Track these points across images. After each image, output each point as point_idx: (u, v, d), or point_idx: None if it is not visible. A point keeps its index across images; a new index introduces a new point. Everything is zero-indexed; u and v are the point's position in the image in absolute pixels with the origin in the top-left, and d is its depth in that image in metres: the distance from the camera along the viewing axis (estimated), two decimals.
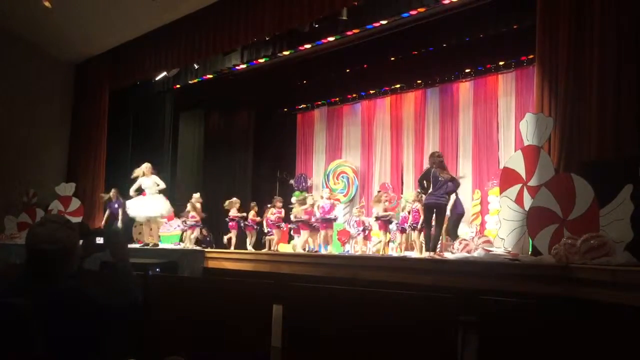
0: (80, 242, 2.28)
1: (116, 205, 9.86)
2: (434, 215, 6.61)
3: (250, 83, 11.84)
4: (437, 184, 6.56)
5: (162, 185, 9.03)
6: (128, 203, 9.09)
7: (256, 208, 9.41)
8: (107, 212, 10.04)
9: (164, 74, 10.97)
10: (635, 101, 5.31)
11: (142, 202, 9.00)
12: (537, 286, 4.56)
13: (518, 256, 5.41)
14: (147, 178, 8.94)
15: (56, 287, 1.98)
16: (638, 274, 3.93)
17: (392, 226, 9.14)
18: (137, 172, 9.01)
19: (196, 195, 9.46)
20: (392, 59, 10.84)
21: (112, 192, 10.03)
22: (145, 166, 9.06)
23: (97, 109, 11.54)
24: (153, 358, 2.51)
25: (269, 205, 9.21)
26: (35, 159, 11.16)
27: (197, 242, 9.31)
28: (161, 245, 8.96)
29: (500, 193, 6.23)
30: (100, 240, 2.43)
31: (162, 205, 9.09)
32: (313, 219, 8.23)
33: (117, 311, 2.07)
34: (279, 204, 9.00)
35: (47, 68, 11.44)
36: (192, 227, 9.10)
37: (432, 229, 6.63)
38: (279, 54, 10.03)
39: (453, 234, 7.20)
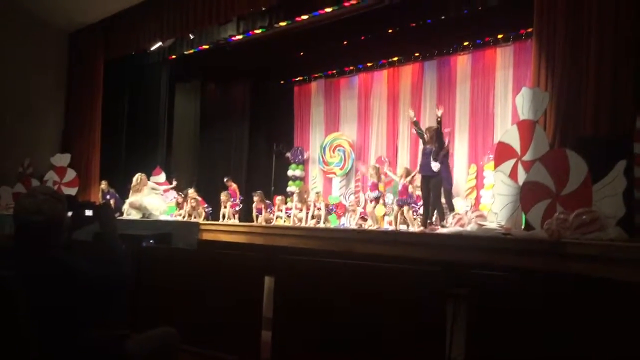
0: (69, 214, 2.28)
1: (108, 197, 9.89)
2: (429, 187, 6.80)
3: (246, 54, 11.71)
4: (424, 152, 6.96)
5: (160, 189, 9.17)
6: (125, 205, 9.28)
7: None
8: None
9: (159, 44, 10.85)
10: (632, 77, 5.28)
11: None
12: (529, 260, 4.59)
13: (511, 230, 5.44)
14: (143, 193, 9.11)
15: (43, 258, 1.98)
16: (628, 249, 3.96)
17: (388, 200, 9.18)
18: (133, 187, 9.18)
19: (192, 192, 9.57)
20: (390, 31, 10.71)
21: (103, 184, 10.08)
22: (137, 179, 9.26)
23: (92, 79, 11.43)
24: (145, 329, 2.53)
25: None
26: (30, 129, 11.10)
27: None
28: (156, 217, 9.03)
29: (495, 168, 6.24)
30: (89, 212, 2.43)
31: (159, 204, 9.25)
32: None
33: (103, 283, 2.08)
34: (256, 198, 9.13)
35: (40, 36, 11.28)
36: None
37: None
38: (275, 25, 9.89)
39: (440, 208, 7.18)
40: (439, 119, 7.00)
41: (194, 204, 9.23)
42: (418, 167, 7.27)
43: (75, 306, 1.97)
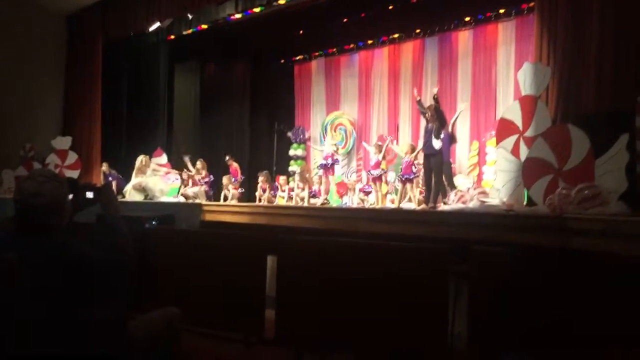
0: (70, 196, 2.27)
1: (110, 179, 9.88)
2: (430, 165, 6.82)
3: (246, 34, 11.60)
4: (426, 130, 6.95)
5: (162, 170, 9.17)
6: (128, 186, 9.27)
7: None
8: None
9: (158, 24, 10.75)
10: (633, 52, 5.23)
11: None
12: (531, 236, 4.59)
13: (513, 207, 5.44)
14: (146, 175, 9.10)
15: (44, 241, 1.98)
16: (631, 223, 3.96)
17: (391, 178, 9.17)
18: (137, 169, 9.18)
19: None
20: (390, 7, 10.59)
21: (104, 166, 10.07)
22: (141, 161, 9.23)
23: (91, 61, 11.36)
24: (149, 310, 2.55)
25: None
26: (30, 113, 11.06)
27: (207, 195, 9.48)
28: (158, 198, 9.05)
29: (497, 144, 6.22)
30: (90, 194, 2.42)
31: (162, 186, 9.24)
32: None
33: (105, 265, 2.08)
34: (262, 178, 9.13)
35: (37, 19, 11.17)
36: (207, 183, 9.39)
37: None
38: (274, 3, 9.77)
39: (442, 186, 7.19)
40: (435, 97, 7.01)
41: (198, 167, 9.30)
42: (421, 145, 7.28)
43: (77, 288, 1.98)
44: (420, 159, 7.53)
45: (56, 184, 2.12)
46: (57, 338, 1.93)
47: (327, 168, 8.42)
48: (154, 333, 2.31)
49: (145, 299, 4.08)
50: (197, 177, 9.42)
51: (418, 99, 7.41)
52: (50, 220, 2.06)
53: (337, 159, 8.64)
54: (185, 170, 9.81)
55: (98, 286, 2.07)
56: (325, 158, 8.41)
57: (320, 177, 8.90)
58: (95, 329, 2.08)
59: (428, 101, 10.01)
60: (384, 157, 8.08)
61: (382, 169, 7.98)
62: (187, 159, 9.74)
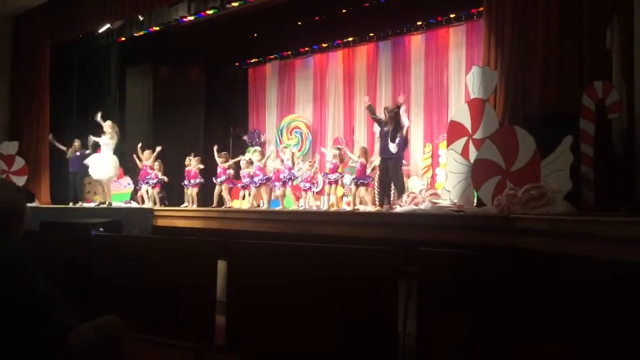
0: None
1: (78, 154, 9.61)
2: (387, 168, 6.89)
3: (199, 36, 11.46)
4: (382, 133, 7.03)
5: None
6: (88, 161, 9.04)
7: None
8: None
9: (108, 26, 10.51)
10: (577, 55, 5.39)
11: (100, 161, 8.92)
12: (480, 236, 4.67)
13: (463, 208, 5.54)
14: (107, 136, 8.89)
15: (2, 250, 1.94)
16: (575, 223, 4.05)
17: (346, 180, 9.20)
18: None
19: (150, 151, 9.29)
20: (344, 11, 10.66)
21: (76, 144, 9.77)
22: (110, 124, 9.14)
23: (38, 65, 11.01)
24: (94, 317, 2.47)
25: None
26: None
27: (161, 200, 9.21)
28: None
29: (447, 146, 6.32)
30: None
31: (116, 166, 9.05)
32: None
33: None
34: (220, 159, 8.96)
35: None
36: (157, 185, 9.03)
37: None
38: (227, 6, 9.68)
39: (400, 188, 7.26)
40: (399, 105, 7.08)
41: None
42: (378, 150, 7.32)
43: (31, 296, 1.95)
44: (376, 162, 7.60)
45: (16, 192, 2.11)
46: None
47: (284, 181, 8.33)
48: (93, 343, 2.23)
49: (92, 307, 3.97)
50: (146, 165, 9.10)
51: (368, 104, 7.45)
52: (8, 228, 2.01)
53: (293, 173, 8.53)
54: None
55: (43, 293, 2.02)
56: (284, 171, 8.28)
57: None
58: (34, 339, 2.02)
59: (384, 102, 10.15)
60: (341, 161, 8.09)
61: (340, 173, 7.99)
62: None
